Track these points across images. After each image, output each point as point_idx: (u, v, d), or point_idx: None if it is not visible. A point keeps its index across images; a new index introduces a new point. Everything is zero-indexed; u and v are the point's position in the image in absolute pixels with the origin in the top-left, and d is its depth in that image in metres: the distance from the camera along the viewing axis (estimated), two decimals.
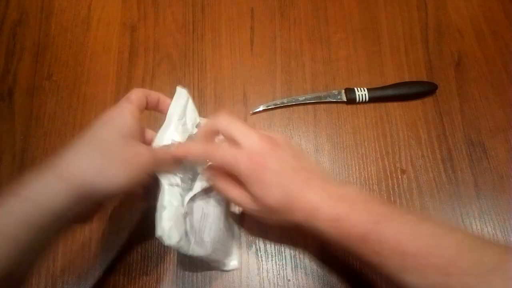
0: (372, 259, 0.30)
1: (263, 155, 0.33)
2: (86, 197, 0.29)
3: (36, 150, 0.48)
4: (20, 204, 0.27)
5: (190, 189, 0.36)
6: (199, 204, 0.37)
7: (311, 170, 0.34)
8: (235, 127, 0.34)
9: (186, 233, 0.34)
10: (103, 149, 0.30)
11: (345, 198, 0.32)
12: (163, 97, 0.38)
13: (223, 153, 0.34)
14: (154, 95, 0.37)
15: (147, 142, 0.37)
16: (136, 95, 0.36)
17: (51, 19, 0.55)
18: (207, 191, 0.38)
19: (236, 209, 0.45)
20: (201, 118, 0.41)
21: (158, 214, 0.33)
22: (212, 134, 0.37)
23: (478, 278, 0.25)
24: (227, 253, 0.42)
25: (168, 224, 0.32)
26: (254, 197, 0.33)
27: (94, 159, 0.29)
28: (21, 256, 0.27)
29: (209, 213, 0.38)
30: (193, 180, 0.38)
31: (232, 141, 0.34)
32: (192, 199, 0.36)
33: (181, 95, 0.40)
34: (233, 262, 0.42)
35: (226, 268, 0.42)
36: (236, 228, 0.44)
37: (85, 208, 0.30)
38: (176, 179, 0.35)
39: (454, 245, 0.27)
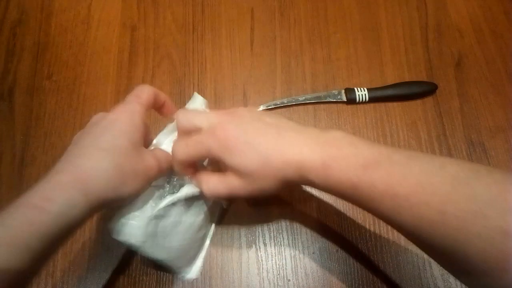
0: (366, 204, 0.29)
1: (223, 127, 0.31)
2: (99, 209, 0.30)
3: (36, 150, 0.48)
4: (40, 217, 0.27)
5: (174, 192, 0.36)
6: (177, 210, 0.36)
7: (280, 124, 0.32)
8: (190, 116, 0.34)
9: (152, 235, 0.34)
10: (118, 163, 0.30)
11: (329, 142, 0.30)
12: (169, 102, 0.38)
13: (191, 143, 0.33)
14: (162, 96, 0.37)
15: (149, 140, 0.37)
16: (148, 94, 0.35)
17: (51, 19, 0.55)
18: (189, 201, 0.37)
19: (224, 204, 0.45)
20: None
21: (126, 209, 0.33)
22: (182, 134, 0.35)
23: (475, 212, 0.24)
24: (190, 263, 0.42)
25: (136, 222, 0.33)
26: (235, 172, 0.31)
27: (110, 175, 0.30)
28: (34, 265, 0.27)
29: (184, 221, 0.37)
30: (177, 185, 0.37)
31: (196, 131, 0.33)
32: (174, 203, 0.35)
33: (196, 102, 0.39)
34: (192, 272, 0.42)
35: (184, 276, 0.42)
36: (207, 242, 0.44)
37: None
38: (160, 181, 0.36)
39: (448, 180, 0.26)
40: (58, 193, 0.28)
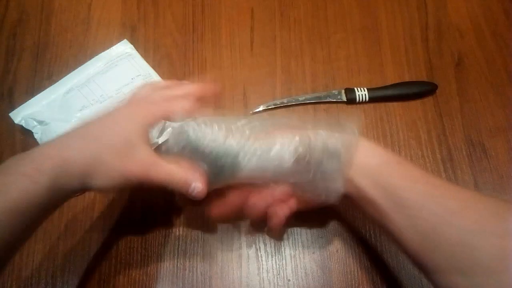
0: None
1: None
2: (83, 189, 0.32)
3: None
4: (32, 186, 0.28)
5: None
6: None
7: None
8: None
9: None
10: (95, 157, 0.31)
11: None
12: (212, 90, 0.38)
13: None
14: (208, 89, 0.38)
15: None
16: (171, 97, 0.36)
17: (51, 19, 0.55)
18: None
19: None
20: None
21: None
22: None
23: (442, 218, 0.29)
24: None
25: None
26: None
27: (82, 168, 0.31)
28: (25, 231, 0.30)
29: None
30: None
31: None
32: None
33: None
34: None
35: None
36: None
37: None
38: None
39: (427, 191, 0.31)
40: (46, 167, 0.29)
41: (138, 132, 0.32)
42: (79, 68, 0.51)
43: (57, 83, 0.50)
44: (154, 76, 0.51)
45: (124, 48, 0.52)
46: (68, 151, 0.31)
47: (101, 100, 0.48)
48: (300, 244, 0.44)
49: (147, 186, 0.32)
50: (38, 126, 0.47)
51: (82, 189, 0.32)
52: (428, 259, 0.30)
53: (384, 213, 0.32)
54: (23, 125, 0.47)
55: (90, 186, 0.31)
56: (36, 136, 0.47)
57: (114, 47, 0.52)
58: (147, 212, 0.45)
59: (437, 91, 0.51)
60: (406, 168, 0.34)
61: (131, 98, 0.37)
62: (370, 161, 0.34)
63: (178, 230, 0.44)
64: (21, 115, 0.47)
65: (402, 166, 0.34)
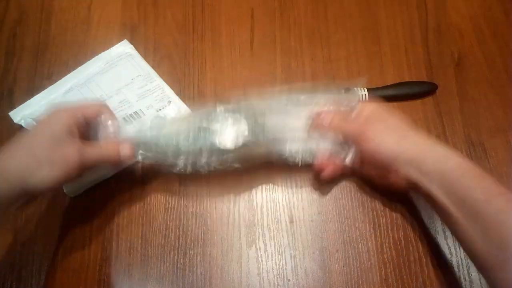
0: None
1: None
2: (24, 193, 0.35)
3: None
4: None
5: None
6: None
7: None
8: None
9: None
10: (32, 152, 0.35)
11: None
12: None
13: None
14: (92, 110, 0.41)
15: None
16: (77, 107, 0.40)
17: (51, 19, 0.55)
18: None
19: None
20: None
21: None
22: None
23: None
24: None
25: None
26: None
27: (24, 162, 0.35)
28: None
29: None
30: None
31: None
32: None
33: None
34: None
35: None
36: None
37: (25, 200, 0.38)
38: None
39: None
40: None
41: (62, 130, 0.36)
42: (79, 68, 0.51)
43: (57, 83, 0.50)
44: (154, 76, 0.51)
45: (124, 48, 0.52)
46: (5, 162, 0.35)
47: (101, 100, 0.48)
48: (300, 244, 0.44)
49: (85, 168, 0.37)
50: None
51: (24, 194, 0.35)
52: (499, 269, 0.31)
53: (458, 223, 0.34)
54: (23, 124, 0.47)
55: (30, 186, 0.34)
56: None
57: (114, 47, 0.52)
58: (146, 211, 0.45)
59: (437, 91, 0.51)
60: (481, 179, 0.35)
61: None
62: (444, 168, 0.36)
63: (178, 230, 0.44)
64: (20, 114, 0.47)
65: (478, 176, 0.35)
